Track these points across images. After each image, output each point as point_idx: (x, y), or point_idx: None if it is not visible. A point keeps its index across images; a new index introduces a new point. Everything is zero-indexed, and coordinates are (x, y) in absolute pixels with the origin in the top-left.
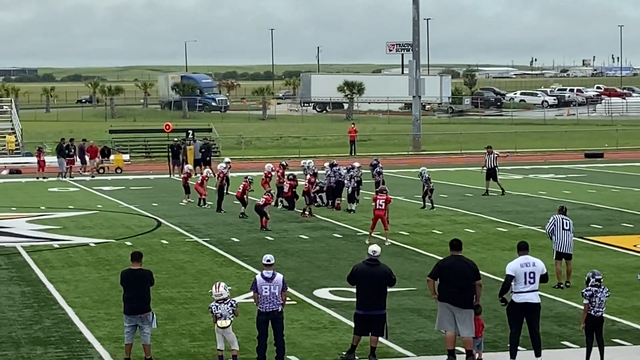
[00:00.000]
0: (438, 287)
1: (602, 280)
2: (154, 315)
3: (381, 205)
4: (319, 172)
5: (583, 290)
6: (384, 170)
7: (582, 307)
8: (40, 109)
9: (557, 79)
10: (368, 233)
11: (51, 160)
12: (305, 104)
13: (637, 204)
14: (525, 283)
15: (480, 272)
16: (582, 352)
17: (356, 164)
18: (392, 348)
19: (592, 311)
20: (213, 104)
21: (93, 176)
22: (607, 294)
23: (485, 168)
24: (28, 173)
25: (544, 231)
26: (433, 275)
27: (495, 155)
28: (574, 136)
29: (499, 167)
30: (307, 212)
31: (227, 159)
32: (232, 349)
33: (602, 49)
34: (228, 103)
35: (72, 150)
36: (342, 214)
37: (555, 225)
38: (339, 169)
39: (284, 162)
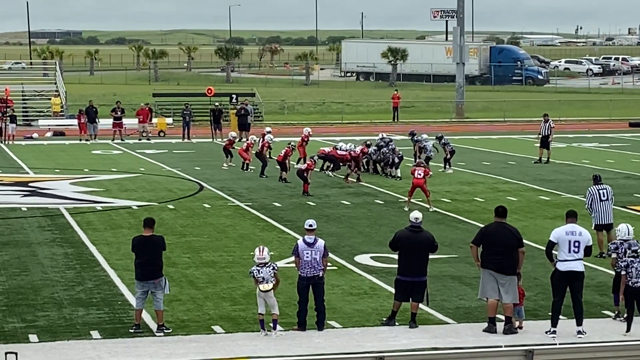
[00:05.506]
0: (481, 254)
1: (639, 251)
2: (167, 281)
3: (420, 174)
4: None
5: (619, 261)
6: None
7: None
8: (85, 72)
9: (602, 47)
10: (406, 200)
11: (103, 122)
12: (348, 73)
13: None
14: (569, 251)
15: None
16: (624, 321)
17: (383, 134)
18: (432, 315)
19: (630, 282)
20: (540, 77)
21: (140, 139)
22: None
23: (540, 135)
24: (72, 135)
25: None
26: (476, 241)
27: (551, 124)
28: (618, 105)
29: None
30: (350, 178)
31: (268, 129)
32: (273, 313)
33: None
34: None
35: (119, 113)
36: (384, 180)
37: (592, 198)
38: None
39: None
